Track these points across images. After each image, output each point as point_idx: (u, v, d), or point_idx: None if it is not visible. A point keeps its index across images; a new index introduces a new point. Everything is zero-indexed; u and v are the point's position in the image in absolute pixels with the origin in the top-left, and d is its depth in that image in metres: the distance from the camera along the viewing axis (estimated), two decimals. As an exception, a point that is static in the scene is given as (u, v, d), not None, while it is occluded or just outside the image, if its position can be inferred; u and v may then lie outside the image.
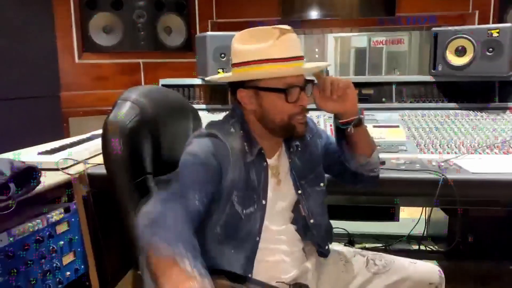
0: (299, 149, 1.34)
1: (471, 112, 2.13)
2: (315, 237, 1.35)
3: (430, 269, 1.36)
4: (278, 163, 1.32)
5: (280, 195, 1.30)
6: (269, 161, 1.28)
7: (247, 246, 1.22)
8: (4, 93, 2.73)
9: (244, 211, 1.20)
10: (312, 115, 1.44)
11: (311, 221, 1.33)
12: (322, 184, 1.37)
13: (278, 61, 1.17)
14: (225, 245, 1.21)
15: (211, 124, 1.30)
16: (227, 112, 1.34)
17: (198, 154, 1.15)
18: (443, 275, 1.36)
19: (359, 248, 2.39)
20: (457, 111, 2.16)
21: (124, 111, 1.17)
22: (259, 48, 1.18)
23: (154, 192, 1.22)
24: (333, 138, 1.42)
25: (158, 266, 0.91)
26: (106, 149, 1.13)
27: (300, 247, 1.34)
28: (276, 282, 1.26)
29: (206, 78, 2.26)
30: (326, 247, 1.38)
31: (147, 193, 1.18)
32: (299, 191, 1.32)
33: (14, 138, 2.29)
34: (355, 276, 1.37)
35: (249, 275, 1.20)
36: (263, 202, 1.24)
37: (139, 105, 1.20)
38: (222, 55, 2.26)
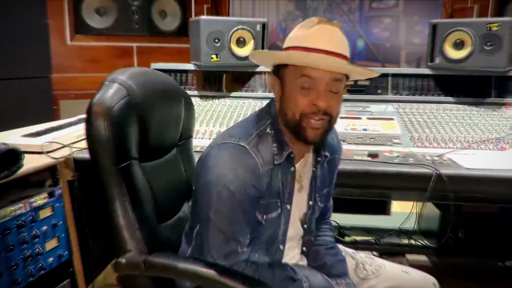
0: (326, 160, 1.24)
1: (467, 106, 2.11)
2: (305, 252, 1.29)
3: (424, 279, 1.29)
4: (303, 169, 1.21)
5: (300, 202, 1.22)
6: (296, 165, 1.18)
7: (271, 251, 1.16)
8: (-6, 74, 2.68)
9: (265, 216, 1.12)
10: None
11: (306, 237, 1.26)
12: (323, 205, 1.31)
13: (302, 49, 1.05)
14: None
15: (241, 126, 1.16)
16: (263, 106, 1.20)
17: (236, 188, 1.04)
18: (438, 286, 1.29)
19: (349, 241, 2.39)
20: (453, 105, 2.13)
21: (111, 92, 1.11)
22: (294, 35, 1.09)
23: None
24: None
25: None
26: (89, 132, 1.08)
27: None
28: None
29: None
30: None
31: (131, 179, 1.13)
32: (310, 202, 1.24)
33: (3, 119, 2.24)
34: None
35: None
36: (288, 207, 1.16)
37: (127, 87, 1.14)
38: (216, 40, 2.20)
